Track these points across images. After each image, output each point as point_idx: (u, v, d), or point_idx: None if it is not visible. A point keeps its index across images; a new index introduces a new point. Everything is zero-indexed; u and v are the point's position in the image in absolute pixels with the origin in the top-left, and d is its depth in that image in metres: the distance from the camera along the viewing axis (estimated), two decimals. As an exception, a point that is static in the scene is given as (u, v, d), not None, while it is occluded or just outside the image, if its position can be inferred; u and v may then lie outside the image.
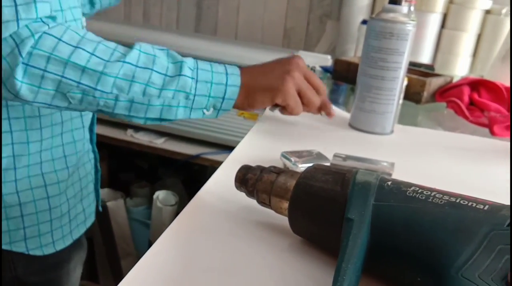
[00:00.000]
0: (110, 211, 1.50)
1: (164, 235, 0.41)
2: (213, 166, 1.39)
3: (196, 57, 0.61)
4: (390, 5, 0.72)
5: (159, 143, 1.45)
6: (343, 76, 1.13)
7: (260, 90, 0.63)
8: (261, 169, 0.44)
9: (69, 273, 0.82)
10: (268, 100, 0.64)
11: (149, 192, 1.68)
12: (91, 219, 0.84)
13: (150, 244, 1.52)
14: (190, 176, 1.79)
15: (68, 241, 0.77)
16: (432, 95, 1.01)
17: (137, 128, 1.49)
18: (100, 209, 0.88)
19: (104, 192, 1.57)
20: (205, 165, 1.44)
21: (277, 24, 1.93)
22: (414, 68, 1.15)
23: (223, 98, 0.61)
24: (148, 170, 1.86)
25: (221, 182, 0.52)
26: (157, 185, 1.72)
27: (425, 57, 1.54)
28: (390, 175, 0.56)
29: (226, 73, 0.61)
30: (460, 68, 1.53)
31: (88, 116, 0.76)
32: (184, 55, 0.61)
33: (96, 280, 1.63)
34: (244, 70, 0.63)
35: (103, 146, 1.67)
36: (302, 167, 0.55)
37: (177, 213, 1.43)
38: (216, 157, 1.40)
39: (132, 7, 2.09)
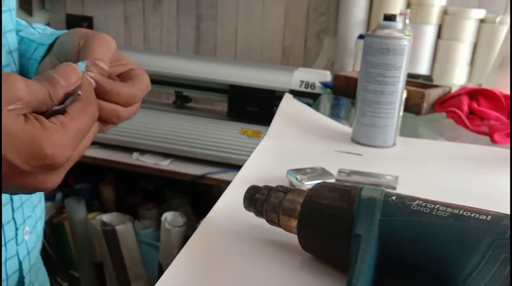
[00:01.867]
0: (119, 234, 1.51)
1: (178, 257, 0.42)
2: (219, 185, 1.40)
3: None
4: (385, 21, 0.74)
5: (165, 164, 1.47)
6: (343, 91, 1.15)
7: None
8: (268, 189, 0.45)
9: None
10: None
11: (157, 213, 1.68)
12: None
13: (160, 266, 1.53)
14: (196, 196, 1.79)
15: None
16: (432, 106, 1.03)
17: (143, 151, 1.51)
18: None
19: (112, 216, 1.58)
20: (211, 184, 1.45)
21: (275, 43, 1.96)
22: (413, 80, 1.17)
23: None
24: (154, 192, 1.87)
25: (230, 203, 0.53)
26: (164, 207, 1.72)
27: (422, 68, 1.56)
28: (395, 188, 0.57)
29: None
30: (458, 77, 1.55)
31: None
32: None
33: (108, 304, 1.63)
34: None
35: (110, 170, 1.68)
36: (307, 184, 0.57)
37: (185, 234, 1.44)
38: (222, 176, 1.41)
39: (132, 32, 2.12)
